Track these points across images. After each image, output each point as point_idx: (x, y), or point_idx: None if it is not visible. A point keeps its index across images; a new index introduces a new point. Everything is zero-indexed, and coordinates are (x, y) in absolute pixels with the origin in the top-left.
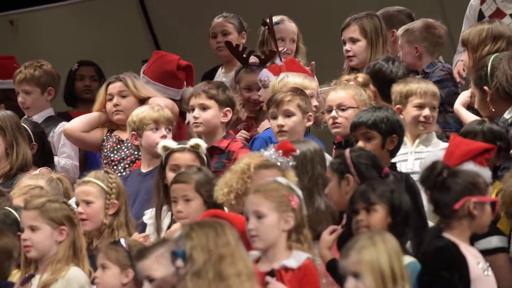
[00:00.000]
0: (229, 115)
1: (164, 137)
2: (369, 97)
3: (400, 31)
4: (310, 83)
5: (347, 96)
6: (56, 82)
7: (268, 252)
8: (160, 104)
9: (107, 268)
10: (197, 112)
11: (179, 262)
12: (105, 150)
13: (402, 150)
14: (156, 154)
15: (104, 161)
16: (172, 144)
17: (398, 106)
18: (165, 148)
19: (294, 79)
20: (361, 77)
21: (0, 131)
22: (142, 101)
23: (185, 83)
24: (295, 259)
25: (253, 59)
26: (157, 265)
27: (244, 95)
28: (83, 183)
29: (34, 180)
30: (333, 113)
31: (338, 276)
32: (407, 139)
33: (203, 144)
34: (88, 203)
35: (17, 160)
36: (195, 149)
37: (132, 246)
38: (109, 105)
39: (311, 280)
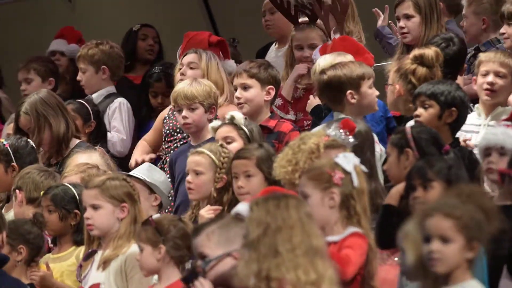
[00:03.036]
0: (272, 93)
1: (184, 117)
2: (409, 71)
3: (466, 1)
4: (342, 60)
5: (390, 74)
6: (115, 61)
7: (324, 231)
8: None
9: (143, 250)
10: (239, 92)
11: None
12: (167, 128)
13: (475, 121)
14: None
15: (166, 139)
16: (217, 123)
17: (474, 77)
18: (213, 128)
19: (324, 62)
20: (413, 53)
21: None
22: None
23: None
24: (343, 234)
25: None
26: (208, 242)
27: (296, 55)
28: (196, 153)
29: (87, 154)
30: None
31: (384, 222)
32: (481, 110)
33: (238, 115)
34: (197, 173)
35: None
36: (230, 121)
37: (161, 221)
38: (177, 74)
39: (352, 245)
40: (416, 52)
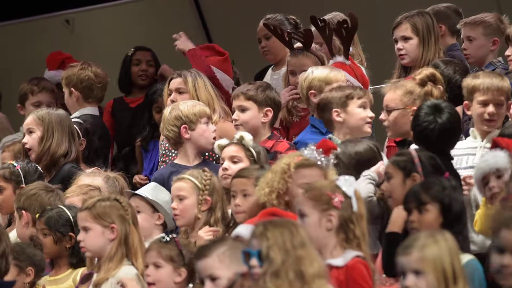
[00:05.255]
0: (270, 114)
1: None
2: (427, 93)
3: (467, 23)
4: (336, 76)
5: (393, 97)
6: (84, 83)
7: (321, 252)
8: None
9: (160, 267)
10: (236, 114)
11: (254, 262)
12: (163, 148)
13: (471, 143)
14: (206, 147)
15: (162, 159)
16: (225, 141)
17: (465, 102)
18: (220, 146)
19: (319, 73)
20: (423, 73)
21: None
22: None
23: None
24: (344, 257)
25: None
26: (220, 264)
27: (290, 80)
28: (178, 180)
29: (91, 178)
30: (381, 116)
31: (389, 250)
32: (476, 133)
33: (248, 136)
34: (181, 198)
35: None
36: (239, 141)
37: (185, 245)
38: (168, 101)
39: (358, 277)
40: (426, 73)
